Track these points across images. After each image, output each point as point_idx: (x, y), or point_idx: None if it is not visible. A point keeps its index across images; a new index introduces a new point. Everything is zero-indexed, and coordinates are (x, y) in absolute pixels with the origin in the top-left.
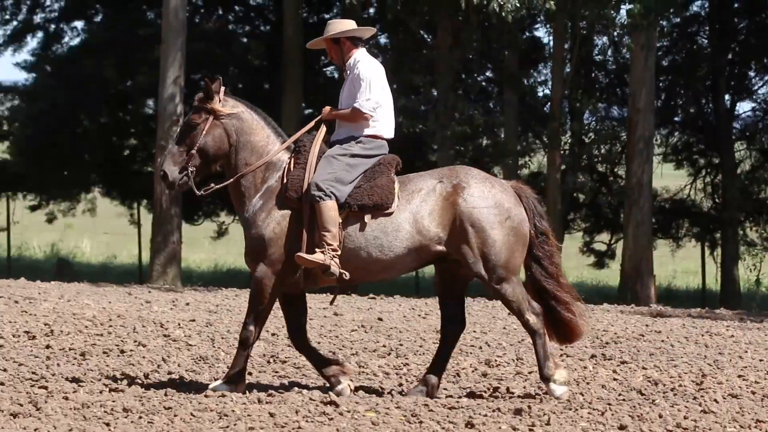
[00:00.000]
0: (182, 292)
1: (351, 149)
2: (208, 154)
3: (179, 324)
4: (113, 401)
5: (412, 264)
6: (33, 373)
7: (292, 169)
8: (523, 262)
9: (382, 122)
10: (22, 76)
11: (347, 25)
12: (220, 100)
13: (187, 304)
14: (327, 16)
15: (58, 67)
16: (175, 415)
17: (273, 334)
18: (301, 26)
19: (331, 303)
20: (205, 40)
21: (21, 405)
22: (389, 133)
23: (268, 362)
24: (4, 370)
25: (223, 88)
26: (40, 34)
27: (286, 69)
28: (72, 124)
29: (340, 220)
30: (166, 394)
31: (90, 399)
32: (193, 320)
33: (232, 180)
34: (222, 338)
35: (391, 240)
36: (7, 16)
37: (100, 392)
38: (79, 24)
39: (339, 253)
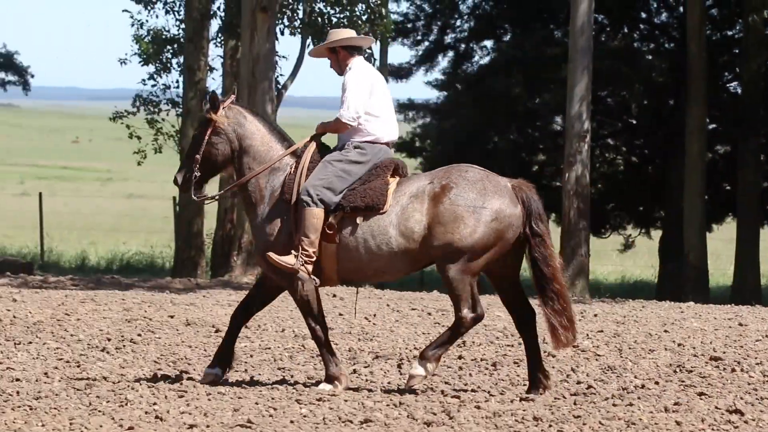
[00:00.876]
0: (590, 304)
1: (348, 155)
2: (211, 159)
3: (587, 335)
4: (524, 410)
5: (408, 265)
6: (446, 383)
7: (291, 173)
8: (520, 264)
9: (378, 127)
10: (433, 95)
11: (344, 34)
12: (222, 109)
13: (595, 315)
14: (730, 32)
15: (468, 85)
16: (584, 424)
17: (676, 346)
18: (705, 43)
19: (355, 314)
20: (611, 58)
21: (434, 414)
22: (388, 136)
23: (675, 372)
24: None
25: (232, 97)
26: (450, 54)
27: (690, 85)
28: (482, 141)
29: (334, 225)
30: (575, 403)
31: (501, 408)
32: (601, 331)
33: (233, 186)
34: (629, 348)
35: (378, 242)
36: (419, 37)
37: (511, 401)
38: (488, 43)
39: (313, 259)
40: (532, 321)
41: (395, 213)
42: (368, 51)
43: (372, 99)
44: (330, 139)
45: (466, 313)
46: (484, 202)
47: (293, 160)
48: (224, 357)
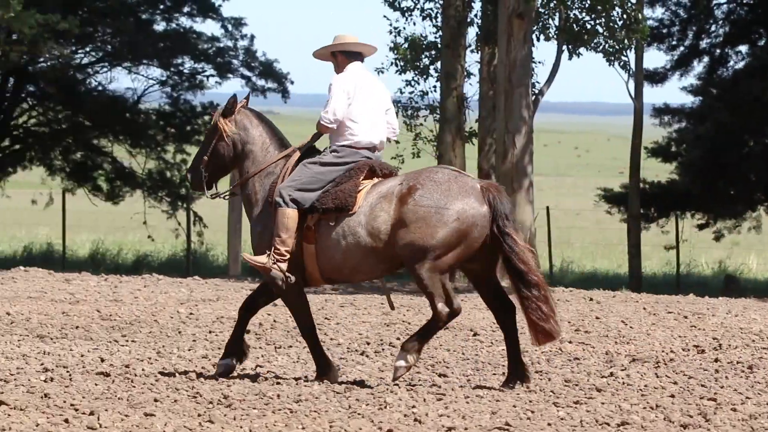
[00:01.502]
0: None
1: (323, 158)
2: (217, 161)
3: None
4: None
5: (381, 265)
6: (702, 385)
7: (278, 177)
8: (496, 262)
9: (356, 132)
10: (688, 99)
11: (346, 39)
12: (233, 113)
13: None
14: None
15: (723, 90)
16: None
17: None
18: None
19: (392, 308)
20: None
21: (691, 416)
22: (368, 140)
23: None
24: (675, 383)
25: (244, 102)
26: (705, 59)
27: None
28: (737, 145)
29: (311, 227)
30: None
31: (758, 411)
32: None
33: (233, 187)
34: None
35: (349, 242)
36: (674, 42)
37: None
38: (743, 48)
39: (286, 257)
40: (512, 314)
41: (364, 213)
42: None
43: (353, 104)
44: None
45: (442, 308)
46: (447, 203)
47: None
48: (236, 348)
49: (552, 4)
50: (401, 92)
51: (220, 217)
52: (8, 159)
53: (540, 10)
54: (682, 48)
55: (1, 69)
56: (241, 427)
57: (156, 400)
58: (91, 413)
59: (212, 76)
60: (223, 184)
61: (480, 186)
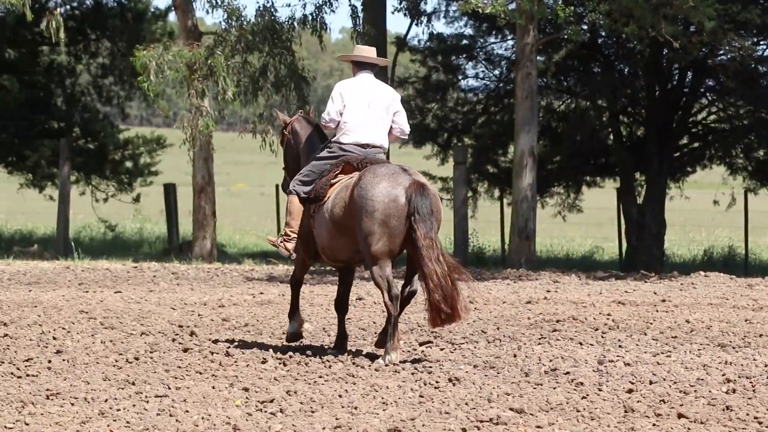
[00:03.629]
0: None
1: (320, 153)
2: (289, 165)
3: None
4: None
5: (352, 246)
6: None
7: None
8: (404, 250)
9: (344, 130)
10: None
11: (361, 51)
12: (289, 124)
13: None
14: None
15: None
16: None
17: None
18: None
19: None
20: None
21: None
22: (355, 138)
23: None
24: None
25: (300, 112)
26: None
27: None
28: None
29: (301, 211)
30: None
31: None
32: None
33: (291, 187)
34: None
35: (322, 227)
36: None
37: None
38: None
39: (291, 237)
40: (410, 297)
41: (331, 200)
42: None
43: (347, 107)
44: None
45: (387, 299)
46: (373, 195)
47: None
48: (342, 337)
49: None
50: None
51: None
52: (687, 158)
53: None
54: None
55: (679, 63)
56: None
57: None
58: None
59: None
60: None
61: (408, 183)
